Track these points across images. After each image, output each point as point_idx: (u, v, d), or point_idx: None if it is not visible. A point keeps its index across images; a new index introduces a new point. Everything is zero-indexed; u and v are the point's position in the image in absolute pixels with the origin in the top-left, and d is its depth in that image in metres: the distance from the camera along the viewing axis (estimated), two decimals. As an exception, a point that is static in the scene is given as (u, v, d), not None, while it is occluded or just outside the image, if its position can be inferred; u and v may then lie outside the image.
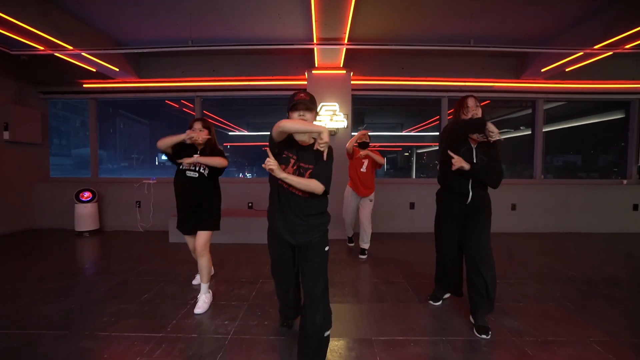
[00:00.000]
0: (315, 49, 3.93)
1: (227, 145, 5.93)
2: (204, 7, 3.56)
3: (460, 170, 1.99)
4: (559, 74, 4.71)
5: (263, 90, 5.08)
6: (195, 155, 2.28)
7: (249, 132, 6.24)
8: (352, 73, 4.64)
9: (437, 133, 5.38)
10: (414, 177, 6.21)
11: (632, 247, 4.24)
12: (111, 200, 5.19)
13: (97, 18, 3.85)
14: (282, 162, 1.57)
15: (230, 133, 5.92)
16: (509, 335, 1.99)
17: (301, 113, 1.56)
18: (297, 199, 1.59)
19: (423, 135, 6.05)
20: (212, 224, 2.42)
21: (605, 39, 3.57)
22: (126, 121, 6.67)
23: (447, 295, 2.51)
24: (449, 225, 2.22)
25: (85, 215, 4.80)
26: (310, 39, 4.01)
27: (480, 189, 2.09)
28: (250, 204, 5.10)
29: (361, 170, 3.55)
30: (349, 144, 3.45)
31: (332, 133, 4.61)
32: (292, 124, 1.49)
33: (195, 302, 2.36)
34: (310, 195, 1.58)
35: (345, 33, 3.57)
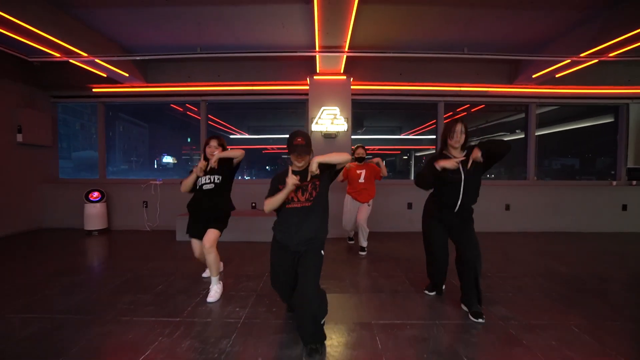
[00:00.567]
0: (317, 56, 4.14)
1: (228, 148, 6.11)
2: (212, 16, 3.76)
3: (450, 181, 2.19)
4: (550, 80, 4.92)
5: (266, 94, 5.29)
6: (216, 152, 2.55)
7: (249, 135, 6.42)
8: (352, 78, 4.85)
9: (435, 136, 5.59)
10: (412, 178, 6.40)
11: (621, 246, 4.42)
12: (119, 200, 5.37)
13: (108, 26, 4.04)
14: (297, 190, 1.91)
15: (231, 136, 6.11)
16: (497, 320, 2.17)
17: (298, 155, 1.89)
18: (300, 214, 1.87)
19: (421, 139, 6.25)
20: (221, 225, 2.61)
21: (591, 47, 3.79)
22: (125, 124, 6.79)
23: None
24: (438, 232, 2.38)
25: (94, 215, 4.97)
26: (311, 46, 4.23)
27: (469, 199, 2.25)
28: (253, 204, 5.28)
29: (359, 181, 3.74)
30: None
31: (333, 136, 4.80)
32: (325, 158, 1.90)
33: (207, 293, 2.53)
34: (310, 212, 1.87)
35: (345, 41, 3.78)
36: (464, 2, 3.45)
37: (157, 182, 5.28)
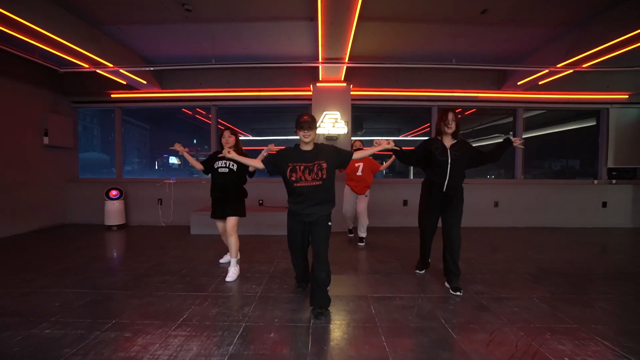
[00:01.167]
0: (320, 66, 4.57)
1: (242, 147, 6.55)
2: (226, 31, 4.20)
3: (438, 165, 2.62)
4: (535, 86, 5.35)
5: (273, 99, 5.72)
6: (230, 139, 3.01)
7: (253, 136, 6.87)
8: (351, 85, 5.27)
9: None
10: (411, 178, 6.81)
11: (599, 237, 4.84)
12: (135, 198, 5.79)
13: (132, 39, 4.49)
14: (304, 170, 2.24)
15: (237, 137, 6.54)
16: (472, 294, 2.59)
17: (305, 131, 2.20)
18: (309, 192, 2.22)
19: (420, 140, 6.65)
20: (239, 211, 3.04)
21: (566, 58, 4.21)
22: (128, 126, 7.12)
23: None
24: (430, 212, 2.82)
25: (114, 211, 5.39)
26: (314, 55, 4.67)
27: (454, 181, 2.67)
28: (260, 201, 5.69)
29: (357, 174, 4.15)
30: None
31: (334, 138, 5.22)
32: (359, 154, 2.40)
33: (226, 274, 2.95)
34: (319, 189, 2.22)
35: (346, 53, 4.21)
36: (450, 19, 3.88)
37: (171, 181, 5.70)
